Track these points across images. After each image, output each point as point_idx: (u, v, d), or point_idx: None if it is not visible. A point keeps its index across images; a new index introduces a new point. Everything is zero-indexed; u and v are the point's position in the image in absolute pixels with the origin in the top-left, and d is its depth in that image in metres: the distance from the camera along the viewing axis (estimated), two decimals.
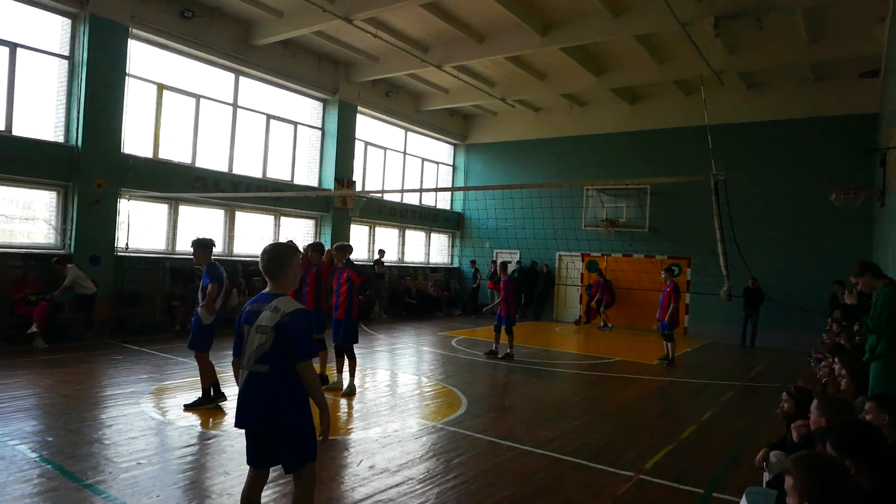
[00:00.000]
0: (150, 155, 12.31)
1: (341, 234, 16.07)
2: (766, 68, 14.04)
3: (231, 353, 3.41)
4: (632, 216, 17.20)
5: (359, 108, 16.75)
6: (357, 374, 8.01)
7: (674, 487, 4.86)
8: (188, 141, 13.08)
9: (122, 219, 11.60)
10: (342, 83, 15.97)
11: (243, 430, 3.27)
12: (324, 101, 16.21)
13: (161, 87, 12.45)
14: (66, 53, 10.92)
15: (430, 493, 4.50)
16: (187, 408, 6.35)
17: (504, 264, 11.41)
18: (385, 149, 18.66)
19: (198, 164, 13.16)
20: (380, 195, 17.89)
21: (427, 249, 20.51)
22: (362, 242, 17.88)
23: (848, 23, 11.68)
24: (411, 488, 4.56)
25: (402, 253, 19.48)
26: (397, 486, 4.59)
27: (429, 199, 20.45)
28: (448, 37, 13.66)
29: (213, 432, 5.70)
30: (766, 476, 4.01)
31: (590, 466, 5.26)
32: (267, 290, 3.30)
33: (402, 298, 17.47)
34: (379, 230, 18.47)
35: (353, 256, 8.17)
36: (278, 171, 15.25)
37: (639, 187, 16.76)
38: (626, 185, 16.81)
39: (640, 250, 17.11)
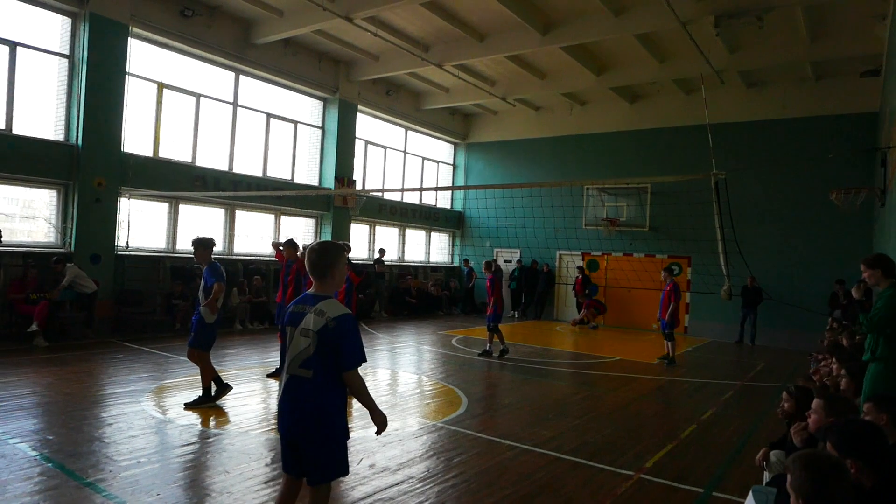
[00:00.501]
0: (150, 154, 12.31)
1: (342, 233, 16.07)
2: (767, 67, 14.03)
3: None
4: (632, 215, 17.20)
5: (359, 106, 16.74)
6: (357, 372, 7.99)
7: (674, 486, 4.86)
8: (188, 140, 13.08)
9: (122, 217, 11.60)
10: (342, 82, 15.97)
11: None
12: (324, 99, 16.20)
13: (161, 86, 12.45)
14: (67, 52, 10.92)
15: (431, 491, 4.50)
16: (187, 406, 6.36)
17: (489, 263, 11.11)
18: (385, 148, 18.66)
19: (198, 163, 13.16)
20: (380, 194, 17.89)
21: (427, 248, 20.51)
22: (363, 241, 17.89)
23: (848, 21, 11.67)
24: (411, 487, 4.56)
25: (403, 252, 19.48)
26: (398, 484, 4.59)
27: (429, 199, 20.45)
28: (448, 36, 13.65)
29: (213, 431, 5.70)
30: (767, 475, 4.01)
31: (590, 465, 5.25)
32: (311, 290, 3.15)
33: (402, 297, 17.47)
34: (379, 229, 18.48)
35: (353, 255, 8.20)
36: (278, 170, 15.25)
37: (639, 186, 16.77)
38: (627, 185, 16.82)
39: (640, 249, 17.11)
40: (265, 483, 4.45)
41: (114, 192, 11.33)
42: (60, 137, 10.93)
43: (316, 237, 15.95)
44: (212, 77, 13.52)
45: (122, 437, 5.29)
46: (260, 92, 14.62)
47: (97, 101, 10.94)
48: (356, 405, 6.98)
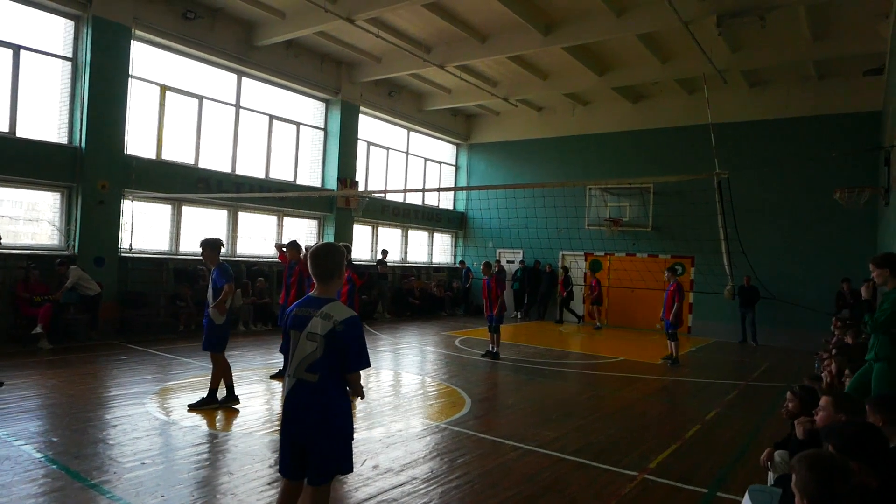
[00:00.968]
0: (153, 156, 12.34)
1: (344, 235, 16.08)
2: (770, 66, 13.99)
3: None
4: (635, 215, 17.17)
5: (361, 108, 16.76)
6: (360, 374, 7.99)
7: (678, 487, 4.86)
8: (191, 142, 13.10)
9: (125, 220, 11.63)
10: (345, 83, 15.99)
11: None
12: (326, 101, 16.22)
13: (164, 89, 12.48)
14: (70, 55, 10.96)
15: (434, 492, 4.50)
16: (191, 408, 6.36)
17: (488, 264, 11.02)
18: (388, 149, 18.67)
19: (201, 165, 13.18)
20: (383, 195, 17.90)
21: (430, 249, 20.51)
22: (365, 242, 17.90)
23: (852, 20, 11.63)
24: (415, 488, 4.56)
25: (406, 253, 19.49)
26: (401, 485, 4.59)
27: (431, 199, 20.45)
28: (450, 36, 13.65)
29: (217, 432, 5.71)
30: (771, 476, 4.00)
31: (594, 466, 5.25)
32: (315, 293, 3.15)
33: (405, 298, 17.47)
34: (382, 230, 18.48)
35: (355, 256, 8.22)
36: (281, 172, 15.27)
37: (642, 186, 16.75)
38: (630, 185, 16.80)
39: (643, 249, 17.09)
40: (269, 484, 4.45)
41: (117, 194, 11.36)
42: (64, 140, 10.96)
43: (319, 238, 15.96)
44: (214, 79, 13.55)
45: (126, 439, 5.30)
46: (262, 94, 14.64)
47: (100, 103, 10.97)
48: (359, 406, 6.98)
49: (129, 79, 11.51)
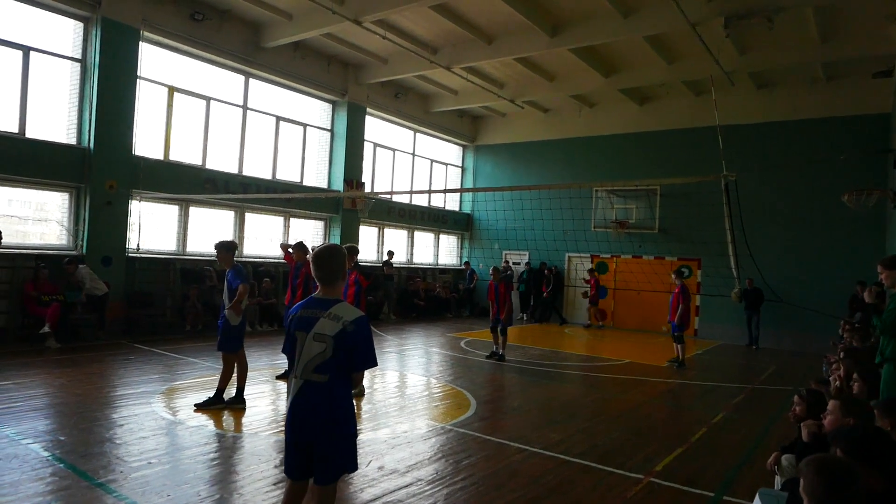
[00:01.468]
0: (161, 157, 12.40)
1: (350, 236, 16.11)
2: (777, 68, 13.94)
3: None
4: (641, 217, 17.13)
5: (368, 109, 16.79)
6: (366, 375, 8.01)
7: (684, 490, 4.83)
8: (199, 143, 13.16)
9: (133, 220, 11.69)
10: (351, 85, 16.03)
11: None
12: (333, 102, 16.27)
13: (172, 90, 12.54)
14: (79, 56, 11.03)
15: (439, 494, 4.50)
16: (198, 407, 6.38)
17: (496, 269, 10.98)
18: (394, 150, 18.70)
19: (208, 166, 13.24)
20: (389, 196, 17.92)
21: (436, 251, 20.52)
22: (371, 244, 17.93)
23: (860, 22, 11.56)
24: (420, 489, 4.56)
25: (411, 254, 19.50)
26: (406, 486, 4.60)
27: (438, 201, 20.46)
28: (457, 38, 13.67)
29: (223, 432, 5.73)
30: (778, 479, 3.97)
31: (599, 469, 5.23)
32: (319, 294, 3.15)
33: (410, 300, 17.48)
34: (388, 231, 18.51)
35: (361, 258, 8.24)
36: (288, 173, 15.31)
37: (648, 188, 16.69)
38: (636, 187, 16.74)
39: (649, 252, 17.04)
40: (275, 485, 4.46)
41: (125, 194, 11.42)
42: (73, 141, 11.04)
43: (325, 239, 15.99)
44: (222, 80, 13.61)
45: (132, 438, 5.32)
46: (269, 95, 14.69)
47: (109, 104, 11.03)
48: (364, 407, 6.99)
49: (138, 80, 11.57)
